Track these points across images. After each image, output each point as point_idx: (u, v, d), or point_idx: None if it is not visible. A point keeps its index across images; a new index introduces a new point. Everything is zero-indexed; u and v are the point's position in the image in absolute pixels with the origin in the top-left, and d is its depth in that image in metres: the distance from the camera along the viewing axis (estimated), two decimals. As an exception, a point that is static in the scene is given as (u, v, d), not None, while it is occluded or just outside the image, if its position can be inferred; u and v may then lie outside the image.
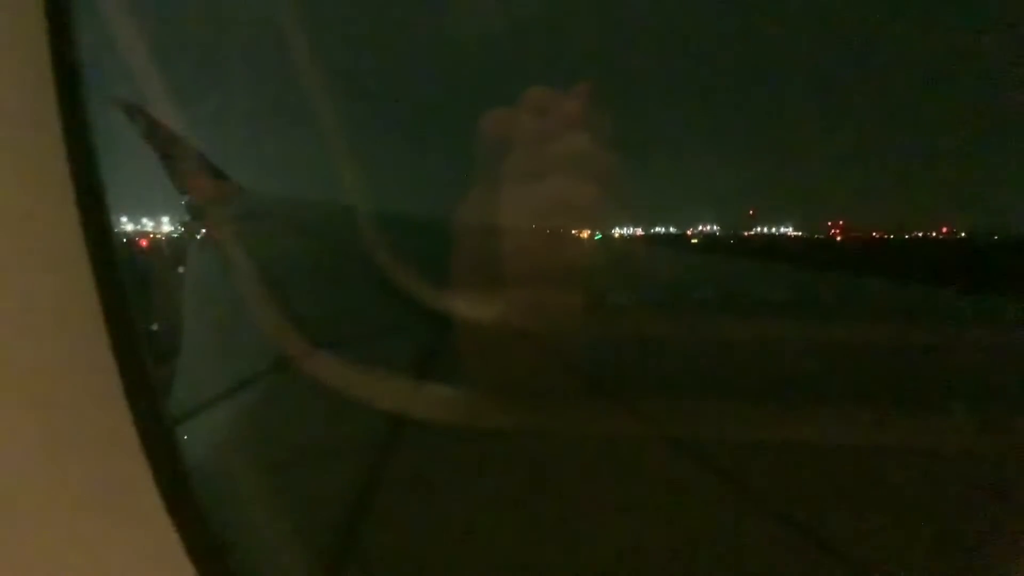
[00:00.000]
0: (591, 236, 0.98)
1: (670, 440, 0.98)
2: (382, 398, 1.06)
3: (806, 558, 0.78)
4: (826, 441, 0.95)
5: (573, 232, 0.95)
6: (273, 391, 1.20)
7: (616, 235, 1.01)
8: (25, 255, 0.57)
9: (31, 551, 0.56)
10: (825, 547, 0.79)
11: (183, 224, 1.51)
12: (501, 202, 0.93)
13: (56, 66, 0.58)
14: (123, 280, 0.62)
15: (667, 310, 1.37)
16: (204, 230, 1.43)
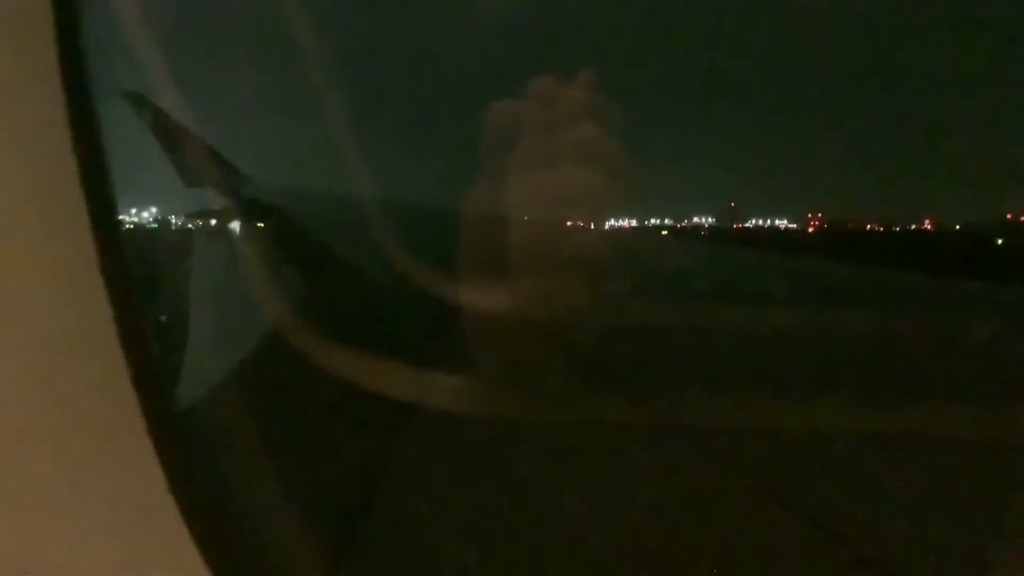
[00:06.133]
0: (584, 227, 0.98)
1: (675, 428, 0.98)
2: (389, 386, 1.07)
3: (810, 544, 0.78)
4: (829, 429, 0.95)
5: (568, 223, 0.95)
6: (280, 380, 1.21)
7: (607, 227, 1.01)
8: (32, 247, 0.57)
9: (37, 543, 0.57)
10: (826, 531, 0.79)
11: (188, 215, 1.52)
12: (508, 192, 0.93)
13: (62, 57, 0.58)
14: (131, 271, 0.62)
15: (668, 299, 1.37)
16: (212, 221, 1.44)
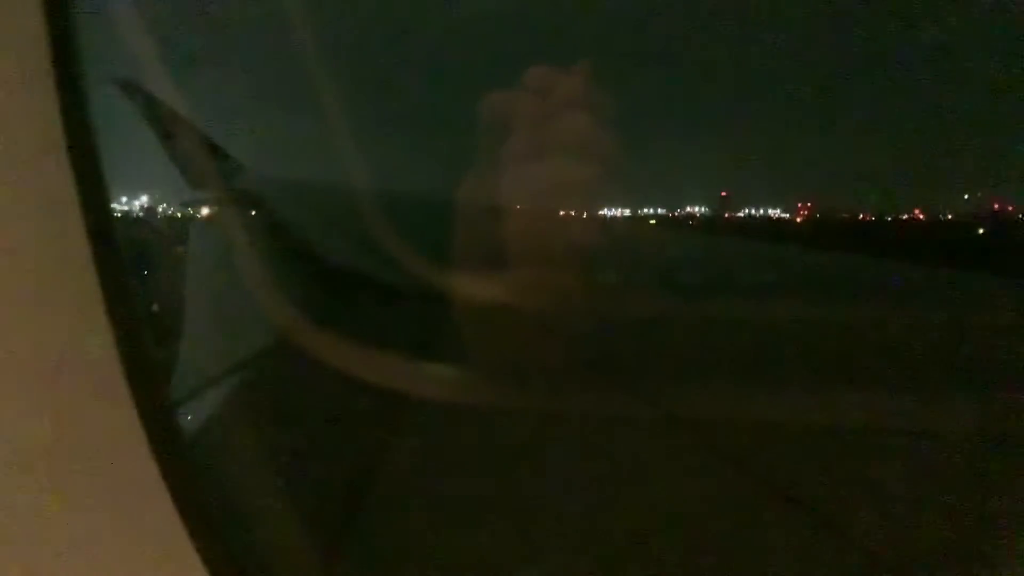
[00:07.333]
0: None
1: (670, 419, 0.98)
2: (383, 377, 1.07)
3: (806, 535, 0.79)
4: (820, 420, 0.96)
5: (562, 213, 0.95)
6: (275, 371, 1.20)
7: (600, 216, 1.01)
8: (23, 238, 0.56)
9: (33, 543, 0.56)
10: (821, 520, 0.80)
11: (182, 204, 1.51)
12: (502, 182, 0.93)
13: (54, 44, 0.57)
14: (124, 261, 0.61)
15: (660, 288, 1.37)
16: (205, 210, 1.43)
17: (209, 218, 1.39)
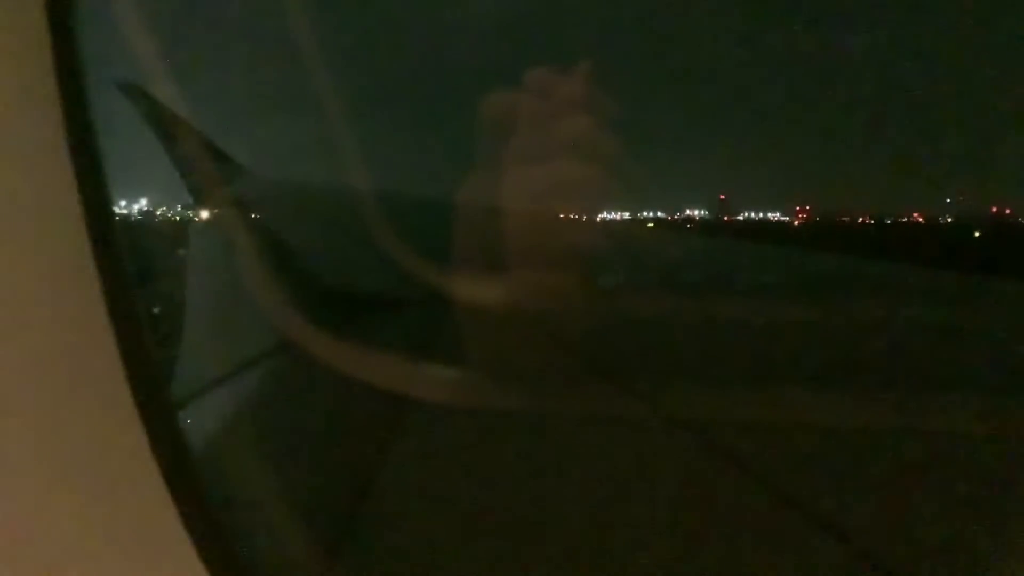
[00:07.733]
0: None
1: (667, 420, 0.98)
2: (384, 379, 1.07)
3: (804, 535, 0.79)
4: (820, 420, 0.96)
5: (562, 215, 0.95)
6: (275, 372, 1.21)
7: (600, 219, 1.01)
8: (25, 239, 0.56)
9: (33, 536, 0.56)
10: (824, 524, 0.80)
11: (184, 207, 1.52)
12: (503, 184, 0.93)
13: (56, 47, 0.57)
14: (125, 263, 0.61)
15: (659, 291, 1.37)
16: (206, 213, 1.43)
17: (210, 221, 1.39)
